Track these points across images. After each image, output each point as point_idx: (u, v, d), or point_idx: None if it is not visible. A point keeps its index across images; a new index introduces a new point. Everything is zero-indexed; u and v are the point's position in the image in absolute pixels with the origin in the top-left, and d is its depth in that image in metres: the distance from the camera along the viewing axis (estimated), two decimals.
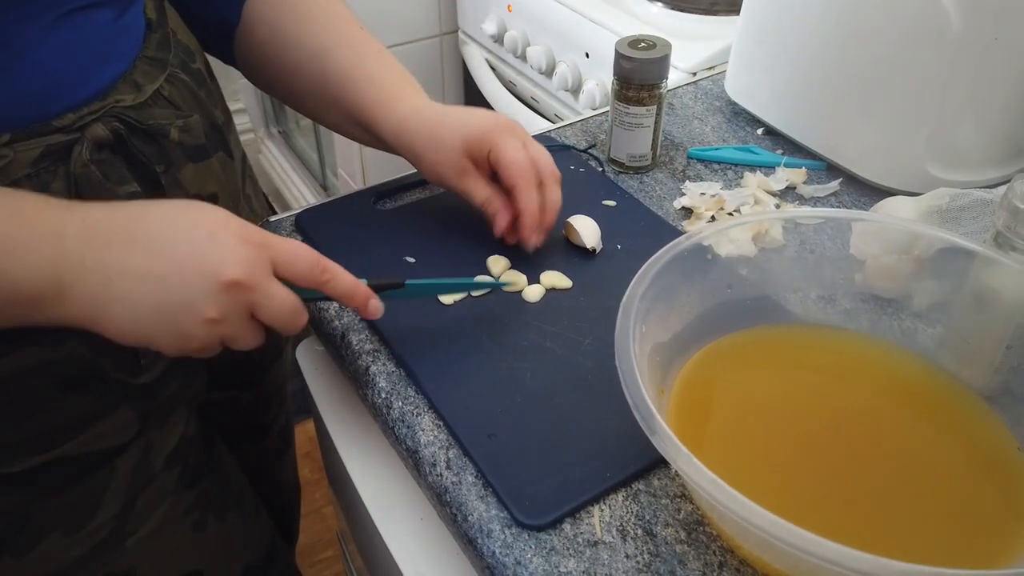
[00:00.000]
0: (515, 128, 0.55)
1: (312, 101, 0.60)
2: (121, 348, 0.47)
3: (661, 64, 0.63)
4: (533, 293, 0.55)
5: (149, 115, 0.48)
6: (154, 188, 0.49)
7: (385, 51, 0.59)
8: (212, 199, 0.54)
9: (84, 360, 0.46)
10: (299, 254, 0.43)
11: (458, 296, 0.55)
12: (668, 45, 0.64)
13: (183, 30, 0.55)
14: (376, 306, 0.47)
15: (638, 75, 0.63)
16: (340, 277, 0.45)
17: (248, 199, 0.62)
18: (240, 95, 1.76)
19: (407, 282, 0.50)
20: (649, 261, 0.41)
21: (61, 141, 0.43)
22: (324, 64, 0.57)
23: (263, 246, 0.42)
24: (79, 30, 0.44)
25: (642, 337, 0.38)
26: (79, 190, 0.44)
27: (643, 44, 0.64)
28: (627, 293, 0.40)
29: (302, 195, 1.82)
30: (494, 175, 0.56)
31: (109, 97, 0.46)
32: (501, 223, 0.55)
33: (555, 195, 0.55)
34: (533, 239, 0.55)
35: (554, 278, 0.56)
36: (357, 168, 1.46)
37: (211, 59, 0.61)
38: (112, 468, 0.49)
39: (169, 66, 0.51)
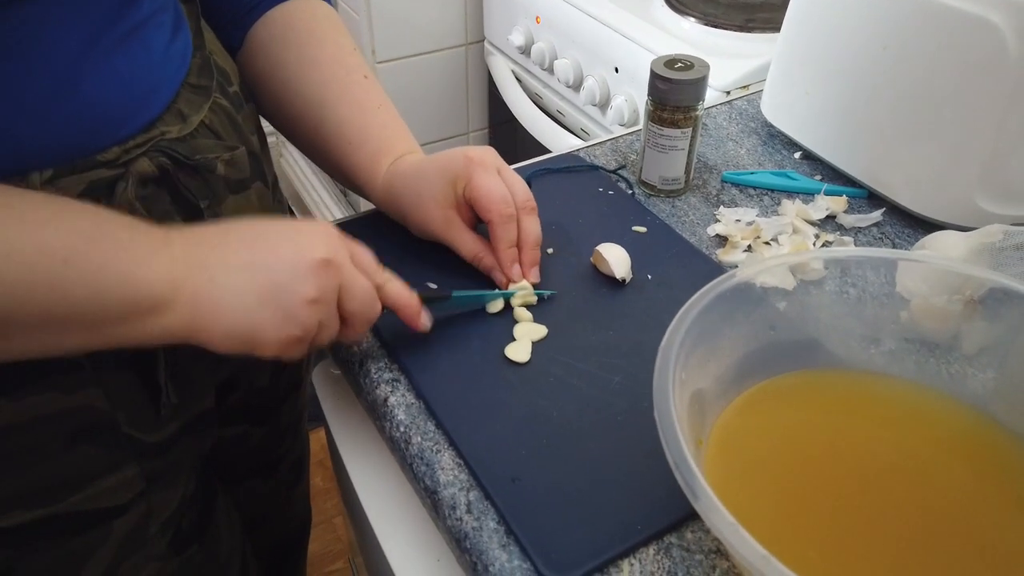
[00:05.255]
0: (486, 158, 0.53)
1: (307, 146, 0.59)
2: (139, 399, 0.46)
3: (698, 86, 0.61)
4: (517, 350, 0.51)
5: (196, 148, 0.46)
6: (196, 223, 0.47)
7: (387, 104, 0.58)
8: None
9: (98, 410, 0.44)
10: (365, 250, 0.46)
11: (495, 308, 0.54)
12: (706, 66, 0.61)
13: (220, 52, 0.54)
14: (426, 320, 0.49)
15: (674, 97, 0.61)
16: (397, 281, 0.48)
17: None
18: None
19: (453, 294, 0.52)
20: (690, 302, 0.39)
21: (105, 177, 0.41)
22: (322, 114, 0.56)
23: (341, 237, 0.45)
24: (132, 56, 0.42)
25: (682, 385, 0.36)
26: None
27: (680, 64, 0.61)
28: (666, 338, 0.37)
29: (321, 200, 1.81)
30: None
31: (155, 129, 0.44)
32: (500, 279, 0.54)
33: (532, 227, 0.54)
34: (514, 276, 0.54)
35: (530, 330, 0.52)
36: None
37: None
38: (107, 530, 0.47)
39: (212, 93, 0.49)
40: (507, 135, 1.39)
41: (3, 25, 0.36)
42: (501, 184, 0.52)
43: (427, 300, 0.50)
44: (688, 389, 0.37)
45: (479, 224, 0.56)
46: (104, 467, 0.46)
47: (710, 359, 0.39)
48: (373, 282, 0.45)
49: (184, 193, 0.46)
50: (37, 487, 0.44)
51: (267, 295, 0.40)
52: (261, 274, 0.40)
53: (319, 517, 1.35)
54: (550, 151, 1.13)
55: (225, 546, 0.56)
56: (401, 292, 0.47)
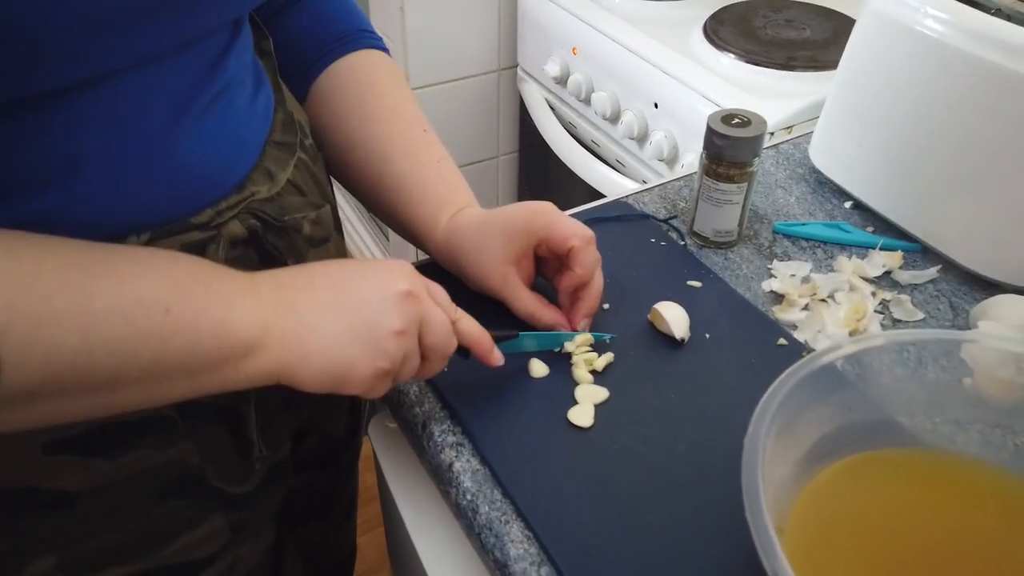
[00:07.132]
0: (551, 206, 0.54)
1: (367, 198, 0.59)
2: (228, 452, 0.47)
3: (755, 143, 0.61)
4: (580, 415, 0.51)
5: (284, 208, 0.47)
6: None
7: (446, 159, 0.58)
8: None
9: (188, 465, 0.45)
10: (439, 287, 0.47)
11: (543, 372, 0.54)
12: (763, 123, 0.61)
13: (296, 107, 0.54)
14: (499, 355, 0.50)
15: (730, 152, 0.61)
16: (470, 318, 0.48)
17: None
18: None
19: (520, 334, 0.53)
20: (771, 389, 0.39)
21: (197, 239, 0.42)
22: (383, 169, 0.56)
23: (417, 273, 0.46)
24: (220, 117, 0.43)
25: (767, 478, 0.36)
26: None
27: (737, 120, 0.61)
28: (752, 428, 0.37)
29: (348, 220, 1.82)
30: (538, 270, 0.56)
31: (245, 189, 0.45)
32: (566, 329, 0.55)
33: (596, 277, 0.55)
34: (581, 328, 0.55)
35: (591, 392, 0.52)
36: None
37: None
38: None
39: (296, 150, 0.50)
40: (537, 159, 1.40)
41: (98, 97, 0.36)
42: (584, 232, 0.54)
43: (496, 339, 0.50)
44: (772, 479, 0.37)
45: (536, 279, 0.56)
46: (192, 520, 0.46)
47: (791, 445, 0.39)
48: (451, 315, 0.47)
49: (272, 252, 0.47)
50: (131, 542, 0.44)
51: (356, 331, 0.41)
52: (349, 311, 0.41)
53: None
54: (581, 178, 1.14)
55: None
56: (475, 328, 0.48)
